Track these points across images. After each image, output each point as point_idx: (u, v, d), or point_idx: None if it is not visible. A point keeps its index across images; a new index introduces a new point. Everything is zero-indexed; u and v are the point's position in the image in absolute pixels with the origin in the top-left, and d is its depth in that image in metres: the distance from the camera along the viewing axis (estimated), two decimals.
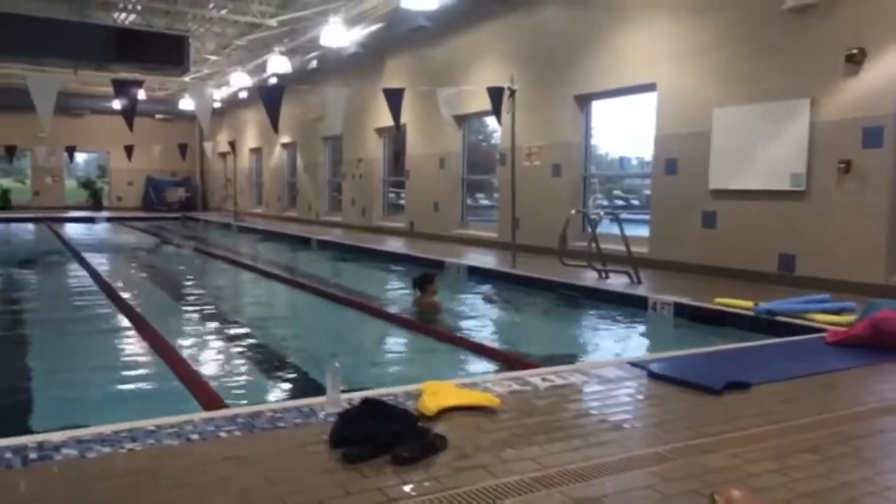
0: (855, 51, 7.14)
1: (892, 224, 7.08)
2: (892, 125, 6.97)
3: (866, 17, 7.13)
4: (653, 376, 3.98)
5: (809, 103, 7.59)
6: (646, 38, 9.67)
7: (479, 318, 7.05)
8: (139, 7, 14.64)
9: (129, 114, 8.13)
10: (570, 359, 5.30)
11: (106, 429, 2.97)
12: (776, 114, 7.90)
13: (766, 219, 8.12)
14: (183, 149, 19.94)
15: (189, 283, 10.26)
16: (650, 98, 9.70)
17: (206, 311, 7.79)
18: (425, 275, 7.37)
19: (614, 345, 6.31)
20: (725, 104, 8.49)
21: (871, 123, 7.10)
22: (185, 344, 5.95)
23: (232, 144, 24.24)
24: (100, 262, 11.86)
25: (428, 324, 6.58)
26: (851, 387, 3.94)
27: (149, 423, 3.05)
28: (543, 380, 3.89)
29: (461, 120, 13.77)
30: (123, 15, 15.20)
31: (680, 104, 9.14)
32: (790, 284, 7.58)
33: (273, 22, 14.93)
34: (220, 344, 6.26)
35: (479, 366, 5.32)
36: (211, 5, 14.65)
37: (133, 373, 5.14)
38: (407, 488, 2.46)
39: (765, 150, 8.05)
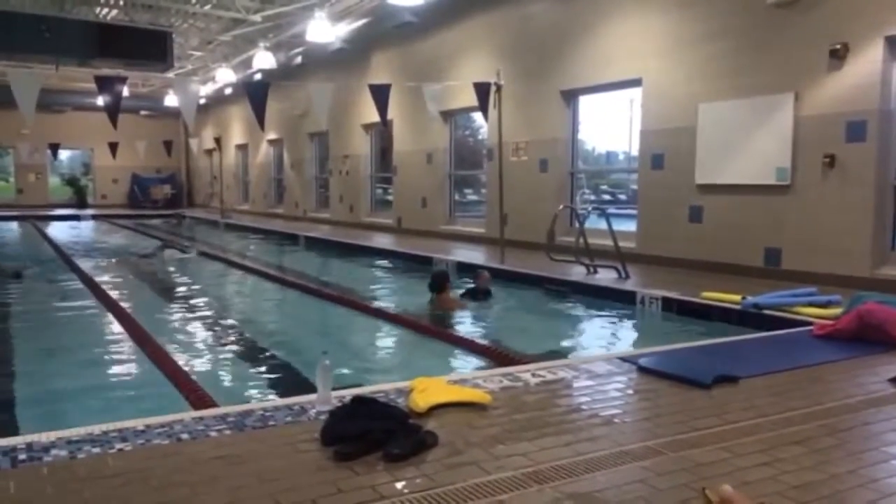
0: (838, 46, 7.20)
1: (876, 217, 7.15)
2: (875, 119, 7.03)
3: (849, 13, 7.18)
4: (642, 371, 4.00)
5: (794, 98, 7.64)
6: (632, 34, 9.70)
7: (469, 314, 7.04)
8: (121, 2, 14.50)
9: (112, 110, 8.03)
10: (559, 354, 5.32)
11: (95, 429, 2.95)
12: (761, 108, 7.95)
13: (751, 213, 8.17)
14: (168, 145, 19.76)
15: (177, 281, 10.20)
16: (636, 93, 9.76)
17: (194, 310, 7.75)
18: (439, 274, 7.40)
19: (603, 339, 6.34)
20: (711, 99, 8.53)
21: (854, 118, 7.15)
22: (173, 343, 5.91)
23: (217, 141, 24.09)
24: (86, 261, 11.76)
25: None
26: (838, 379, 3.98)
27: (139, 423, 3.03)
28: (534, 375, 3.90)
29: (448, 115, 13.75)
30: (105, 10, 15.04)
31: (666, 99, 9.18)
32: (777, 278, 7.65)
33: (257, 17, 14.83)
34: (209, 343, 6.23)
35: (469, 362, 5.32)
36: (194, 0, 14.53)
37: (122, 373, 5.11)
38: (399, 485, 2.46)
39: (750, 144, 8.10)
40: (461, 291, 7.62)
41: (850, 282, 6.98)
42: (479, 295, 7.49)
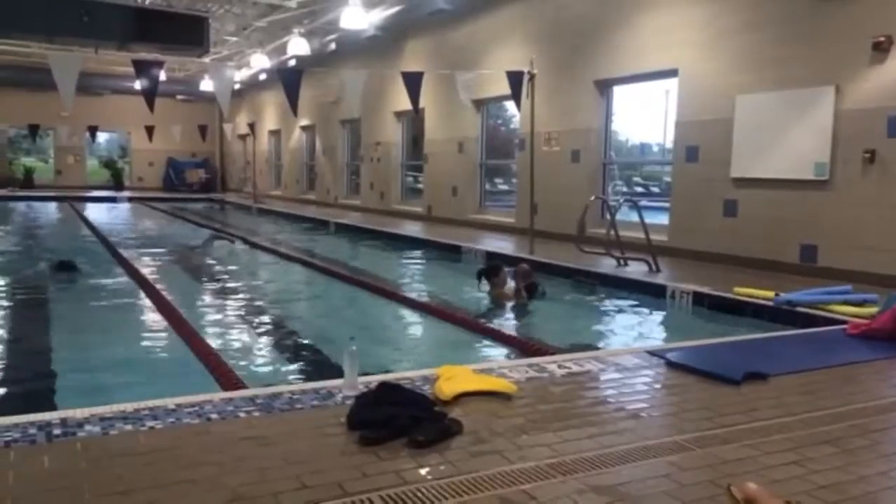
0: (882, 38, 7.00)
1: None
2: None
3: (894, 5, 6.98)
4: (671, 365, 3.97)
5: (834, 91, 7.46)
6: (668, 23, 9.54)
7: (497, 304, 7.04)
8: None
9: (149, 94, 8.15)
10: (587, 346, 5.30)
11: (128, 406, 3.02)
12: (800, 101, 7.78)
13: (788, 208, 8.02)
14: (203, 130, 20.01)
15: (209, 264, 10.34)
16: (671, 84, 9.62)
17: (225, 293, 7.87)
18: (486, 265, 7.31)
19: (632, 333, 6.29)
20: (748, 91, 8.37)
21: None
22: (205, 325, 6.01)
23: (251, 126, 24.33)
24: (121, 243, 11.99)
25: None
26: (871, 380, 3.90)
27: (170, 402, 3.09)
28: (560, 367, 3.89)
29: (480, 104, 13.70)
30: None
31: (702, 90, 9.02)
32: (811, 275, 7.51)
33: (292, 3, 14.91)
34: (239, 325, 6.32)
35: (495, 352, 5.32)
36: None
37: (154, 353, 5.21)
38: (423, 472, 2.48)
39: (788, 138, 7.94)
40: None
41: (887, 280, 6.82)
42: (523, 292, 6.96)
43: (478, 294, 7.25)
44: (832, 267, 7.50)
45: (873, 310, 5.42)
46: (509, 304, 6.92)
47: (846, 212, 7.45)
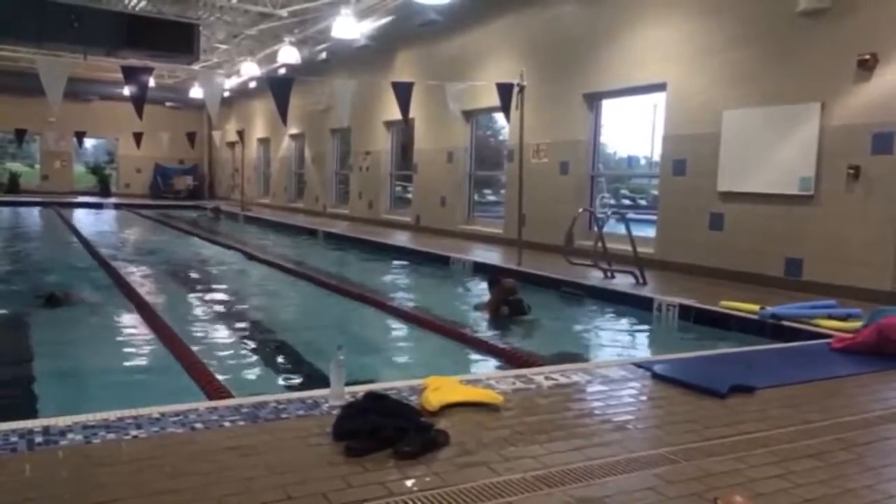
0: (867, 56, 7.10)
1: None
2: None
3: (880, 23, 7.08)
4: (657, 377, 3.98)
5: (820, 107, 7.55)
6: (657, 38, 9.63)
7: (482, 316, 7.03)
8: None
9: (138, 101, 8.12)
10: (574, 358, 5.30)
11: (111, 415, 2.98)
12: (786, 117, 7.86)
13: (773, 222, 8.09)
14: (191, 137, 19.90)
15: (194, 271, 10.28)
16: (659, 98, 9.70)
17: (211, 301, 7.82)
18: (493, 277, 7.15)
19: (619, 345, 6.30)
20: (736, 106, 8.45)
21: (881, 129, 7.06)
22: (190, 333, 5.96)
23: (240, 134, 24.25)
24: (107, 250, 11.90)
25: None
26: (856, 393, 3.93)
27: (154, 411, 3.06)
28: (547, 378, 3.89)
29: (469, 115, 13.74)
30: (134, 1, 15.20)
31: (690, 105, 9.11)
32: (797, 289, 7.56)
33: (284, 12, 14.92)
34: (225, 334, 6.28)
35: (482, 362, 5.32)
36: None
37: (138, 361, 5.16)
38: (409, 483, 2.47)
39: (774, 153, 8.02)
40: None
41: (870, 295, 6.89)
42: (503, 306, 6.84)
43: (465, 305, 7.24)
44: (817, 281, 7.56)
45: (857, 324, 5.46)
46: (494, 316, 6.90)
47: (831, 226, 7.52)
